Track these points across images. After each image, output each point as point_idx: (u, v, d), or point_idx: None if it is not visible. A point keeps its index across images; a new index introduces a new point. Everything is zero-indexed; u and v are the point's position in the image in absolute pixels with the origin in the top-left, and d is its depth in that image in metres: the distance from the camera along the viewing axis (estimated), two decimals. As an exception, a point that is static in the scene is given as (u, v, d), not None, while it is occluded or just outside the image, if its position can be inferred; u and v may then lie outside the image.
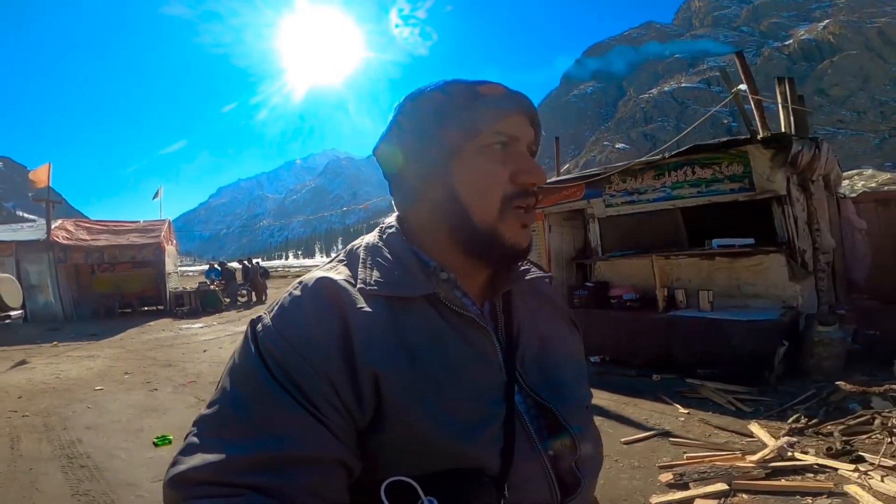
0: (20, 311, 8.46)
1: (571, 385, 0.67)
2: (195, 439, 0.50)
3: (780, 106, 5.31)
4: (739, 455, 2.99)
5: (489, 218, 0.60)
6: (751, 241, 4.64)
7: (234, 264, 17.48)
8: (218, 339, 8.87)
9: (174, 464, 0.49)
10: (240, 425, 0.49)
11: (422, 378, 0.54)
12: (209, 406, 0.53)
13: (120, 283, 14.53)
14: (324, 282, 0.59)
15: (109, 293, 14.04)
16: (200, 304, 13.55)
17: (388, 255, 0.62)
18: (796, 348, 4.20)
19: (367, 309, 0.56)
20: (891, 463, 2.66)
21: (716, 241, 4.74)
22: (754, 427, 3.41)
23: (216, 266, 17.14)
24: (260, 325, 0.56)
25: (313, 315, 0.55)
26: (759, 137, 4.58)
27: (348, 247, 0.68)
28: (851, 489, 2.49)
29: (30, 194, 12.87)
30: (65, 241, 12.32)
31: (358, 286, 0.58)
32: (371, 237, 0.67)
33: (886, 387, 3.43)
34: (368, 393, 0.52)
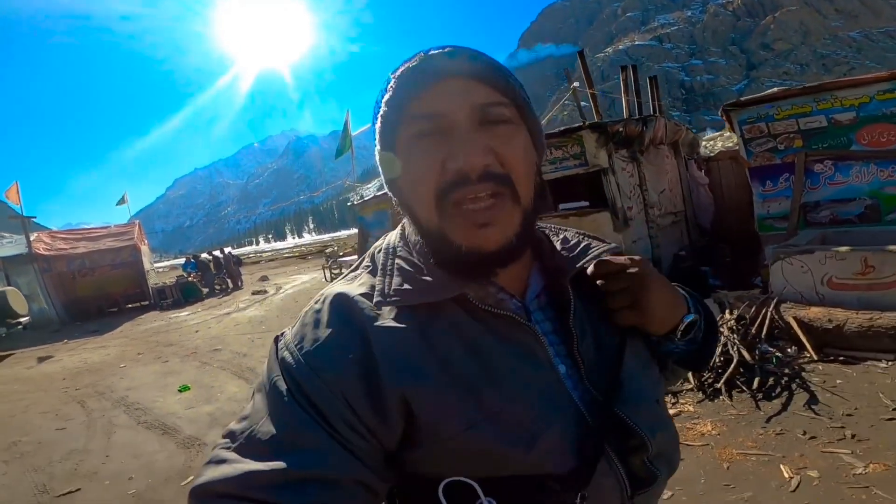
0: (27, 317, 9.64)
1: (637, 378, 0.60)
2: (220, 452, 0.50)
3: (622, 93, 7.00)
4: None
5: (430, 217, 0.54)
6: (585, 203, 6.38)
7: (206, 255, 18.56)
8: (205, 322, 10.28)
9: (199, 475, 0.49)
10: (261, 442, 0.48)
11: (456, 389, 0.51)
12: (239, 420, 0.52)
13: (102, 285, 15.56)
14: (341, 298, 0.56)
15: (94, 295, 15.12)
16: (182, 295, 14.82)
17: (410, 258, 0.58)
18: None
19: (389, 323, 0.52)
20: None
21: (561, 206, 6.49)
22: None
23: (192, 259, 18.23)
24: (282, 343, 0.55)
25: (330, 334, 0.52)
26: (586, 124, 6.26)
27: (372, 249, 0.64)
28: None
29: (8, 216, 13.62)
30: (46, 252, 13.34)
31: (377, 299, 0.54)
32: (393, 237, 0.63)
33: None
34: (395, 413, 0.50)
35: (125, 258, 14.98)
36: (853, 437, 2.55)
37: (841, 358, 3.35)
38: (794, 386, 3.11)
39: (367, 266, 0.61)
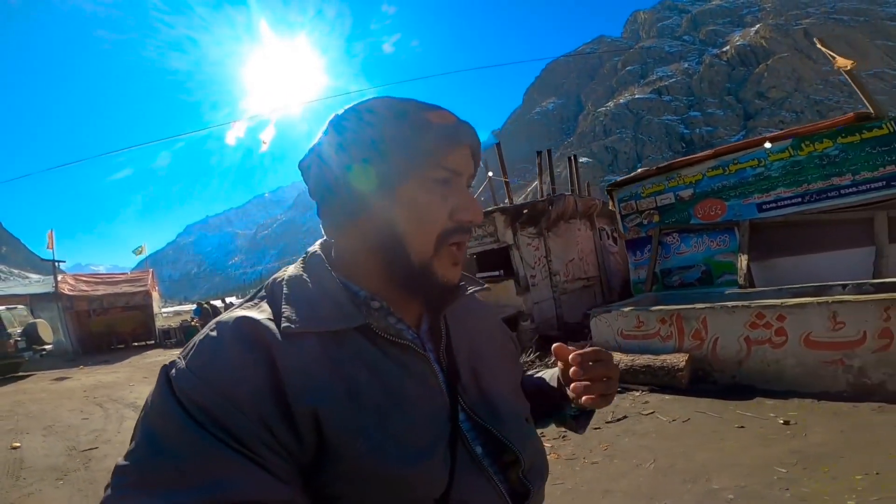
0: (51, 345, 11.30)
1: (509, 400, 0.67)
2: (112, 493, 0.46)
3: (538, 175, 8.97)
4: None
5: (425, 254, 0.59)
6: (499, 273, 8.05)
7: (218, 303, 20.37)
8: (203, 357, 11.93)
9: None
10: (167, 475, 0.45)
11: (363, 411, 0.52)
12: (126, 458, 0.48)
13: (113, 324, 17.32)
14: (244, 321, 0.54)
15: (105, 332, 16.86)
16: (185, 337, 16.50)
17: (314, 288, 0.59)
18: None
19: (296, 348, 0.52)
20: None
21: (479, 275, 8.23)
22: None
23: (200, 305, 20.15)
24: (174, 371, 0.51)
25: (236, 356, 0.51)
26: (497, 207, 8.10)
27: (268, 280, 0.63)
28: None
29: (40, 259, 15.59)
30: (70, 293, 15.20)
31: (283, 325, 0.54)
32: (294, 268, 0.63)
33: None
34: (308, 432, 0.50)
35: (138, 302, 16.83)
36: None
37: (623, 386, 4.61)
38: None
39: (264, 296, 0.60)
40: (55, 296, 14.80)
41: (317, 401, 0.50)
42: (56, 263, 15.59)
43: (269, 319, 0.55)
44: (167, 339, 16.28)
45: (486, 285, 0.75)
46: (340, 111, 0.61)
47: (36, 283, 16.21)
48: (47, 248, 15.06)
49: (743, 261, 6.18)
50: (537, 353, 6.06)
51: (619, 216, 8.14)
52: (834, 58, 5.87)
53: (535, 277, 7.99)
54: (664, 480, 2.76)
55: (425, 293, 0.62)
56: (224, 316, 0.57)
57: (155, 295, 18.31)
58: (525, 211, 7.88)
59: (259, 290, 0.63)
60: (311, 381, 0.51)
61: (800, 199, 6.12)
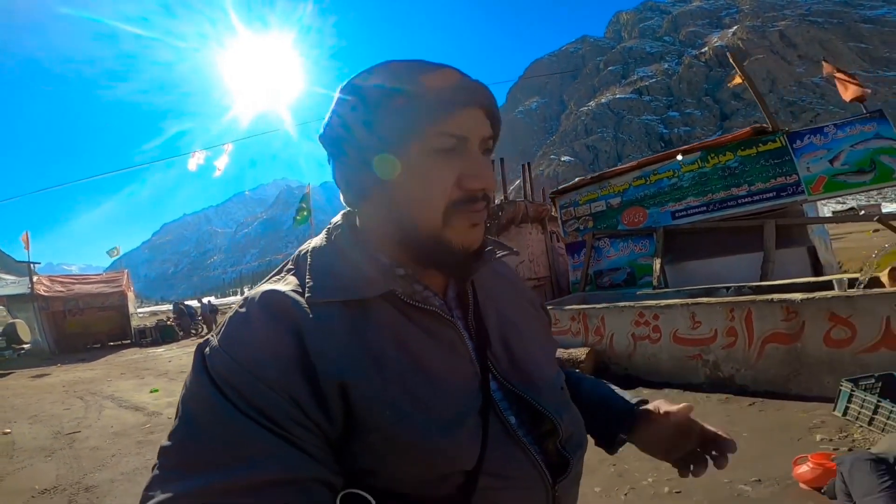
0: (29, 345, 11.67)
1: (543, 368, 0.66)
2: (158, 473, 0.47)
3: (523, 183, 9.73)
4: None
5: (433, 226, 0.57)
6: None
7: (195, 303, 20.70)
8: (177, 356, 12.32)
9: (143, 500, 0.45)
10: (203, 456, 0.46)
11: (391, 381, 0.52)
12: (169, 438, 0.49)
13: (89, 324, 17.54)
14: (271, 295, 0.55)
15: (81, 332, 17.09)
16: (160, 336, 16.88)
17: (338, 257, 0.59)
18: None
19: (322, 318, 0.53)
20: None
21: None
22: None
23: (175, 304, 20.47)
24: (208, 349, 0.52)
25: (263, 332, 0.51)
26: None
27: (295, 253, 0.64)
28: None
29: (15, 261, 15.81)
30: (45, 293, 15.46)
31: (308, 296, 0.55)
32: (318, 240, 0.64)
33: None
34: (336, 405, 0.50)
35: (113, 302, 17.16)
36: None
37: None
38: None
39: (290, 269, 0.61)
40: (31, 297, 15.06)
41: (343, 372, 0.50)
42: (31, 265, 15.83)
43: (295, 291, 0.56)
44: (143, 338, 16.64)
45: (514, 249, 0.74)
46: (345, 82, 0.59)
47: (12, 285, 16.41)
48: (24, 249, 15.30)
49: (657, 264, 7.00)
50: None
51: (560, 221, 8.96)
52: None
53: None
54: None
55: (444, 263, 0.59)
56: (252, 291, 0.58)
57: (130, 295, 18.61)
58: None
59: (286, 263, 0.63)
60: (338, 353, 0.51)
61: (705, 208, 6.98)
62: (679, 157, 7.14)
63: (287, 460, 0.47)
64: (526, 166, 10.76)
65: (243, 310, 0.55)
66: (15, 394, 8.30)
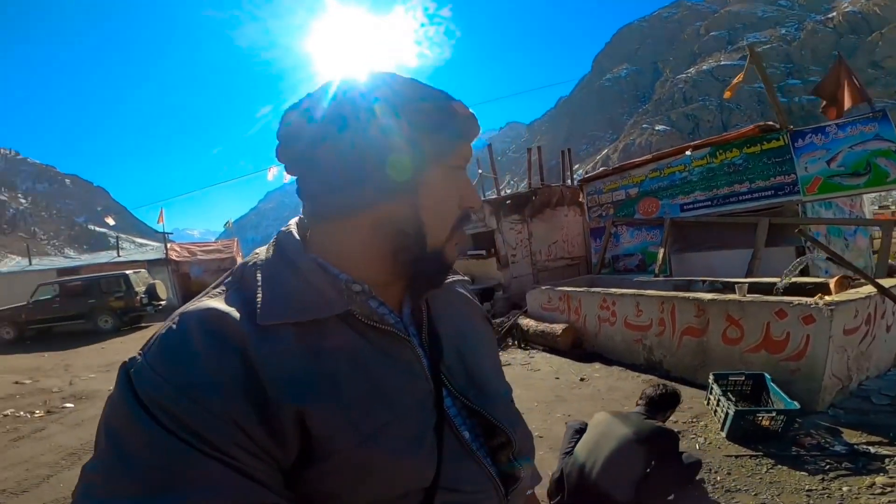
0: (165, 301, 14.93)
1: (494, 382, 0.68)
2: (86, 501, 0.44)
3: (528, 170, 10.58)
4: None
5: (441, 241, 0.59)
6: (483, 252, 9.96)
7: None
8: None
9: None
10: (134, 483, 0.42)
11: (350, 406, 0.50)
12: (92, 462, 0.45)
13: (207, 284, 21.16)
14: (211, 313, 0.50)
15: (200, 290, 21.01)
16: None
17: (290, 273, 0.55)
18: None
19: (274, 342, 0.49)
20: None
21: (468, 251, 10.14)
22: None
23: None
24: (136, 370, 0.47)
25: (203, 353, 0.47)
26: (485, 200, 9.85)
27: (237, 266, 0.59)
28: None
29: (157, 227, 19.65)
30: (176, 258, 19.24)
31: (259, 317, 0.50)
32: (265, 251, 0.59)
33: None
34: (291, 432, 0.47)
35: (226, 265, 20.76)
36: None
37: (529, 345, 6.54)
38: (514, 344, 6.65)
39: (232, 283, 0.56)
40: (165, 261, 18.85)
41: (300, 399, 0.48)
42: (165, 235, 19.64)
43: (241, 310, 0.51)
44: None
45: (465, 277, 0.81)
46: (349, 83, 0.55)
47: (151, 251, 20.51)
48: (158, 222, 19.00)
49: (661, 253, 7.58)
50: (506, 316, 7.76)
51: (586, 207, 9.67)
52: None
53: (516, 256, 9.82)
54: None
55: (428, 277, 0.61)
56: (189, 306, 0.52)
57: (239, 259, 22.35)
58: (508, 202, 9.67)
59: (226, 277, 0.58)
60: (293, 378, 0.48)
61: (710, 203, 7.36)
62: (688, 153, 7.52)
63: (230, 487, 0.43)
64: (566, 152, 11.34)
65: (178, 327, 0.49)
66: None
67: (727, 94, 7.12)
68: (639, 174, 8.47)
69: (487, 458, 0.62)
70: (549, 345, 6.25)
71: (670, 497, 2.50)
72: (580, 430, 2.64)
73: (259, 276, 0.55)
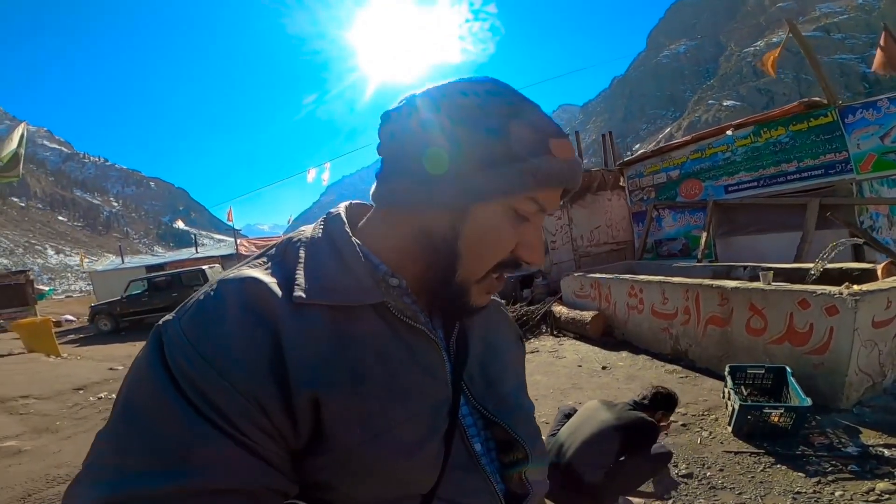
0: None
1: (517, 395, 0.66)
2: (93, 469, 0.44)
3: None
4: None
5: (471, 277, 0.55)
6: None
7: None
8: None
9: (68, 496, 0.43)
10: (147, 455, 0.42)
11: (366, 399, 0.49)
12: (109, 427, 0.45)
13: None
14: (251, 285, 0.50)
15: (267, 282, 22.98)
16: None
17: (332, 255, 0.54)
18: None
19: (305, 322, 0.49)
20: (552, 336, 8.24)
21: None
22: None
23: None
24: (169, 335, 0.47)
25: (236, 326, 0.47)
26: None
27: (284, 240, 0.58)
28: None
29: (230, 223, 21.35)
30: (245, 253, 20.86)
31: (295, 293, 0.50)
32: (312, 230, 0.59)
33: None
34: (305, 417, 0.47)
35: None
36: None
37: (561, 332, 6.57)
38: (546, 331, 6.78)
39: (274, 256, 0.56)
40: (236, 256, 20.51)
41: (319, 385, 0.47)
42: (235, 231, 21.35)
43: (280, 284, 0.51)
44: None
45: (501, 300, 0.78)
46: (468, 85, 0.53)
47: (224, 246, 22.38)
48: (228, 220, 20.64)
49: (704, 237, 7.34)
50: (541, 303, 7.84)
51: (627, 191, 9.46)
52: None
53: (556, 242, 9.83)
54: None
55: (447, 305, 0.58)
56: (230, 273, 0.52)
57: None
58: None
59: (269, 248, 0.57)
60: (317, 363, 0.48)
61: (756, 183, 7.00)
62: (729, 132, 7.19)
63: (243, 468, 0.44)
64: (608, 135, 11.09)
65: (216, 294, 0.49)
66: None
67: (768, 70, 6.70)
68: (679, 156, 8.18)
69: (496, 475, 0.61)
70: (579, 332, 6.29)
71: (642, 488, 2.55)
72: (569, 415, 2.73)
73: (302, 254, 0.55)
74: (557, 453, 2.39)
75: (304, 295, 0.50)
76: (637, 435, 2.38)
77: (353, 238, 0.56)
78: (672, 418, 3.36)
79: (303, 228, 0.60)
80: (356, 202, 0.65)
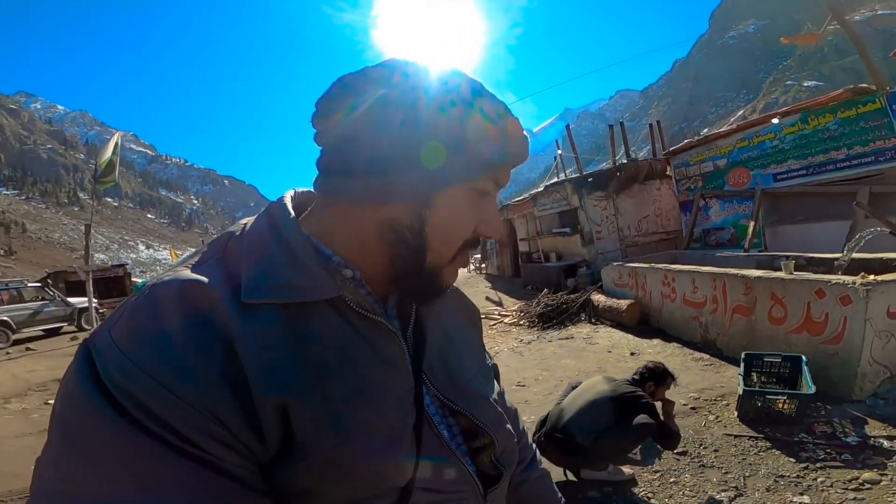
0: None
1: (479, 381, 0.66)
2: (40, 499, 0.40)
3: (611, 145, 10.53)
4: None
5: (442, 261, 0.55)
6: (567, 229, 10.14)
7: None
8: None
9: None
10: (89, 482, 0.38)
11: (335, 400, 0.48)
12: (44, 455, 0.41)
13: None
14: (192, 287, 0.45)
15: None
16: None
17: (280, 249, 0.50)
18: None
19: (257, 324, 0.45)
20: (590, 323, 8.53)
21: (553, 230, 10.41)
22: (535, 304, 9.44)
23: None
24: (100, 351, 0.41)
25: (179, 334, 0.42)
26: (566, 179, 10.02)
27: (222, 235, 0.54)
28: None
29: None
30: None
31: (244, 294, 0.46)
32: (255, 222, 0.54)
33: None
34: (271, 426, 0.44)
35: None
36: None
37: (599, 320, 6.82)
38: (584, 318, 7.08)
39: (214, 254, 0.51)
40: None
41: (284, 391, 0.44)
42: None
43: (224, 285, 0.46)
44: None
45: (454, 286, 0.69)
46: (412, 70, 0.50)
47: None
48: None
49: (751, 226, 7.22)
50: (586, 289, 8.05)
51: (673, 181, 9.41)
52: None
53: (601, 232, 9.95)
54: (542, 364, 5.36)
55: (413, 292, 0.57)
56: (164, 276, 0.47)
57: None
58: (590, 179, 9.85)
59: (209, 246, 0.53)
60: (277, 368, 0.44)
61: (805, 171, 6.82)
62: (775, 121, 7.03)
63: (205, 488, 0.40)
64: (655, 125, 10.98)
65: (152, 301, 0.44)
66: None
67: (811, 41, 6.47)
68: (726, 144, 8.06)
69: (467, 458, 0.60)
70: (615, 320, 6.51)
71: (631, 454, 2.83)
72: (575, 387, 3.07)
73: (245, 249, 0.51)
74: (558, 417, 2.80)
75: (253, 295, 0.46)
76: (630, 407, 2.68)
77: (300, 229, 0.53)
78: (683, 402, 3.63)
79: (244, 220, 0.56)
80: (301, 190, 0.62)
